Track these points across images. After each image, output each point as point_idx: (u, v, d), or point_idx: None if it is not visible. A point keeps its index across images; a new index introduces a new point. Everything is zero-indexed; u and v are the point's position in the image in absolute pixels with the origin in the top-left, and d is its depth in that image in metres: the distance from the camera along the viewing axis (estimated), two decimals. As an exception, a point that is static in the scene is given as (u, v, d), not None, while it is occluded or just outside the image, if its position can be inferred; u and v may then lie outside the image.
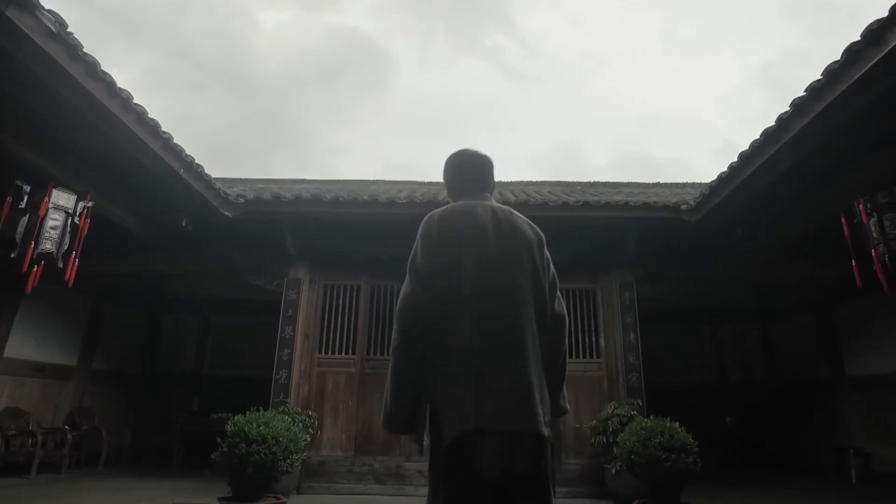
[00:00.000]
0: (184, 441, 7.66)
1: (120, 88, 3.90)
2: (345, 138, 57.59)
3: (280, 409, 5.50)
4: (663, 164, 51.30)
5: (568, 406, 1.78)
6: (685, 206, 5.80)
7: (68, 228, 4.51)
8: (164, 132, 4.52)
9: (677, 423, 4.78)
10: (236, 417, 4.65)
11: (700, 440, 4.82)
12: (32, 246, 4.18)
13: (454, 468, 1.43)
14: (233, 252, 6.65)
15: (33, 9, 3.05)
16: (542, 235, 1.80)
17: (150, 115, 4.30)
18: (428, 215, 1.70)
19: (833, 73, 3.54)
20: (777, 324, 9.05)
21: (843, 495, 5.82)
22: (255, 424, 4.46)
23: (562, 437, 6.05)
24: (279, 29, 56.81)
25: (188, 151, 4.89)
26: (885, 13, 3.03)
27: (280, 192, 6.09)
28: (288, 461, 4.49)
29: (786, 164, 4.43)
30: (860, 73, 3.34)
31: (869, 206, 4.21)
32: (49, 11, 3.14)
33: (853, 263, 4.44)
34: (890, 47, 3.11)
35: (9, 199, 4.20)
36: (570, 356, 6.36)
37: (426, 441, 1.55)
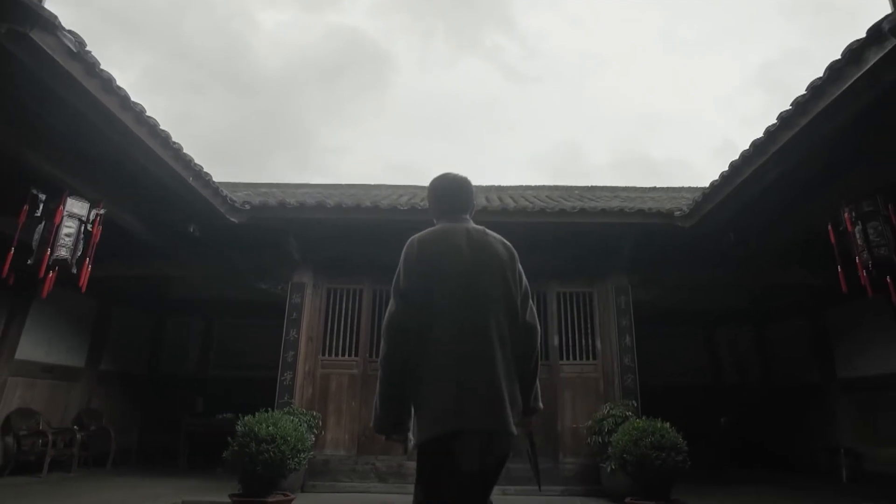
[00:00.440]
0: (189, 441, 7.82)
1: (133, 102, 4.07)
2: (345, 138, 57.87)
3: (285, 409, 5.66)
4: (663, 164, 51.51)
5: (541, 405, 1.95)
6: (679, 212, 5.96)
7: (82, 235, 4.68)
8: (174, 143, 4.68)
9: (668, 423, 4.93)
10: (246, 418, 4.82)
11: (696, 440, 4.98)
12: (49, 253, 4.34)
13: (438, 462, 1.65)
14: (237, 256, 6.81)
15: (55, 30, 3.21)
16: (514, 252, 1.98)
17: (162, 127, 4.46)
18: (409, 240, 1.90)
19: (817, 88, 3.70)
20: (771, 327, 9.21)
21: (833, 494, 5.97)
22: (264, 424, 4.64)
23: (559, 437, 6.21)
24: (279, 29, 57.12)
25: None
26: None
27: (285, 199, 6.25)
28: (296, 459, 4.67)
29: (774, 174, 4.60)
30: (841, 90, 3.51)
31: (854, 214, 4.38)
32: (69, 32, 3.30)
33: (839, 270, 4.59)
34: (868, 66, 3.27)
35: (25, 207, 4.37)
36: (568, 358, 6.56)
37: (411, 441, 1.75)
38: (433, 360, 1.71)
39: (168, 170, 4.82)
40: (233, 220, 5.95)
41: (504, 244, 1.98)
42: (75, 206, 4.62)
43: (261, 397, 5.85)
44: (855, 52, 3.30)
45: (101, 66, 3.64)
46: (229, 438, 4.73)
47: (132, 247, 6.47)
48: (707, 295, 8.67)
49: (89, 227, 4.75)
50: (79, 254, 4.65)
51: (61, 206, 4.48)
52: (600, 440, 5.56)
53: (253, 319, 8.90)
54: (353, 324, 6.68)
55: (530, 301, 1.95)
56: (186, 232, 6.05)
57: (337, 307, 6.73)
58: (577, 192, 10.06)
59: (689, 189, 9.79)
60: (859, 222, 4.33)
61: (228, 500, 4.54)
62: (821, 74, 3.59)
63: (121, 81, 3.86)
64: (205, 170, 5.25)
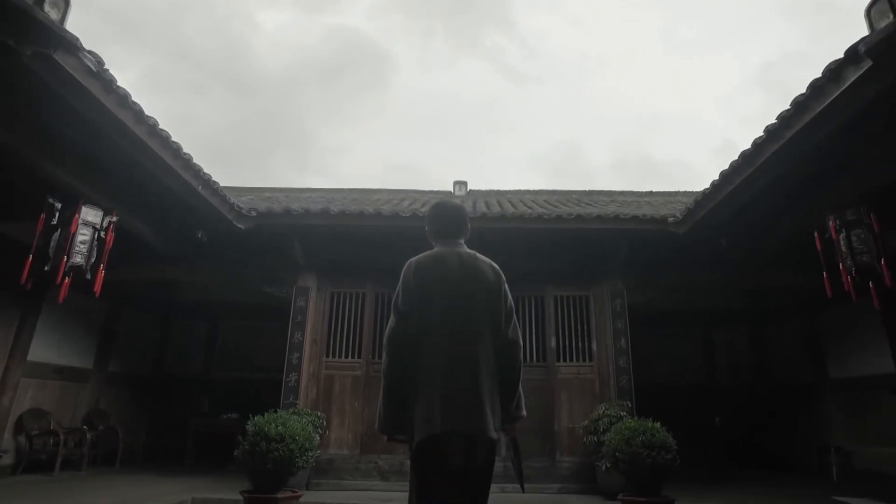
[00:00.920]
0: (195, 441, 8.00)
1: (147, 116, 4.25)
2: (345, 138, 58.02)
3: (291, 410, 5.84)
4: (663, 164, 51.68)
5: (523, 413, 2.15)
6: (672, 218, 6.13)
7: (95, 242, 4.86)
8: (185, 153, 4.87)
9: (659, 423, 5.10)
10: (256, 418, 5.01)
11: (692, 440, 5.13)
12: (65, 260, 4.52)
13: (427, 460, 1.89)
14: (244, 261, 6.99)
15: (76, 51, 3.40)
16: (501, 274, 2.22)
17: (174, 139, 4.65)
18: (407, 263, 2.17)
19: (800, 104, 3.88)
20: (765, 328, 9.38)
21: (817, 491, 6.13)
22: (273, 424, 4.85)
23: (556, 437, 6.39)
24: (279, 29, 57.25)
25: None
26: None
27: (289, 205, 6.44)
28: (304, 458, 4.89)
29: (762, 183, 4.78)
30: (823, 105, 3.68)
31: (838, 222, 4.56)
32: (90, 52, 3.49)
33: (824, 275, 4.77)
34: (847, 84, 3.44)
35: (43, 215, 4.56)
36: (566, 360, 6.74)
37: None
38: (426, 370, 1.97)
39: (178, 179, 5.01)
40: (240, 226, 6.13)
41: (492, 267, 2.22)
42: (89, 214, 4.79)
43: (264, 398, 6.03)
44: (834, 72, 3.47)
45: (118, 83, 3.82)
46: (239, 437, 4.93)
47: (142, 252, 6.63)
48: (703, 297, 8.84)
49: (102, 234, 4.93)
50: (93, 260, 4.83)
51: (77, 215, 4.65)
52: (595, 439, 5.72)
53: (256, 322, 9.10)
54: (356, 326, 6.86)
55: (514, 318, 2.18)
56: (194, 237, 6.25)
57: (340, 310, 6.92)
58: (574, 196, 10.26)
59: (686, 193, 10.00)
60: (843, 230, 4.52)
61: (239, 496, 4.73)
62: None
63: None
64: (213, 178, 5.44)
